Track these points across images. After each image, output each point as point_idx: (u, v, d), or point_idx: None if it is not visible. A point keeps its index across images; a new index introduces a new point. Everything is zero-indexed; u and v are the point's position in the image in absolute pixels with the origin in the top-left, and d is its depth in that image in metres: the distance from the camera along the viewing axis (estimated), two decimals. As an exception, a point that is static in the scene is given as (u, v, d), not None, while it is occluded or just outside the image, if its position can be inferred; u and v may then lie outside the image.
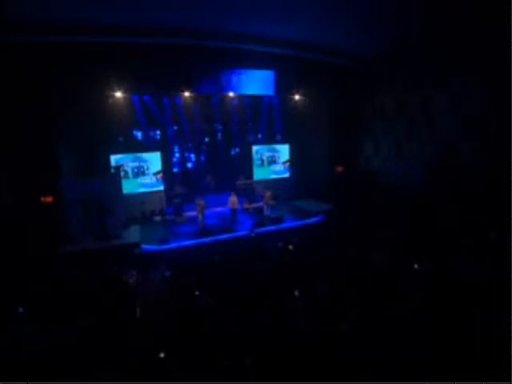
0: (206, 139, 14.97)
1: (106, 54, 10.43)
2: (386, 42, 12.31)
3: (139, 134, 13.78)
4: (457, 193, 10.29)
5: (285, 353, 3.58)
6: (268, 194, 12.96)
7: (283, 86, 13.91)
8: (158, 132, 14.12)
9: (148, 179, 13.99)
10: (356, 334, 3.66)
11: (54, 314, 4.69)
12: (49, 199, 11.06)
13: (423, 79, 11.83)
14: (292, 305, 4.30)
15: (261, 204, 13.41)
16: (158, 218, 13.45)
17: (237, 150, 15.71)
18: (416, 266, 4.89)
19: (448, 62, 10.76)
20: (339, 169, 15.85)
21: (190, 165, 14.94)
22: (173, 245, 10.04)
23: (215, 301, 4.58)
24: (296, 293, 4.64)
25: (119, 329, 4.30)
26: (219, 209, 13.71)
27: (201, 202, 11.81)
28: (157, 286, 6.10)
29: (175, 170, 14.72)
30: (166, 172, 14.26)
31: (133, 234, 11.64)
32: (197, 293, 4.66)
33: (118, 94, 12.08)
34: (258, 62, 12.33)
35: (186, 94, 13.07)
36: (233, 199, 12.32)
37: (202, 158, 15.17)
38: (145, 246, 10.06)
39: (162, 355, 3.76)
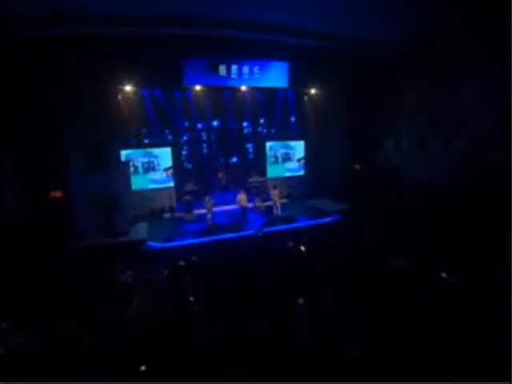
0: (218, 135, 14.49)
1: (116, 45, 10.13)
2: (409, 29, 11.37)
3: (150, 129, 13.49)
4: (490, 195, 9.25)
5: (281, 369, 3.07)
6: (276, 191, 12.33)
7: (298, 79, 13.21)
8: (169, 127, 13.78)
9: (158, 175, 13.73)
10: (370, 364, 3.04)
11: (38, 314, 4.36)
12: (58, 194, 10.97)
13: (451, 67, 10.83)
14: (295, 318, 3.73)
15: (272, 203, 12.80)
16: (167, 215, 13.15)
17: (250, 146, 15.17)
18: (444, 275, 4.16)
19: (479, 48, 9.75)
20: (356, 167, 14.99)
21: (201, 161, 14.51)
22: (176, 243, 9.67)
23: (209, 306, 4.08)
24: (300, 301, 4.04)
25: (103, 332, 3.88)
26: (231, 207, 13.21)
27: (210, 200, 11.38)
28: (151, 287, 5.69)
29: (186, 166, 14.35)
30: (177, 168, 13.95)
31: (140, 230, 11.38)
32: (191, 298, 4.17)
33: (128, 88, 11.86)
34: (270, 53, 11.71)
35: (198, 87, 12.69)
36: (241, 197, 11.81)
37: (214, 154, 14.72)
38: (150, 244, 9.74)
39: (142, 368, 3.29)
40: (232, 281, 4.72)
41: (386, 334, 3.45)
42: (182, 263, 7.25)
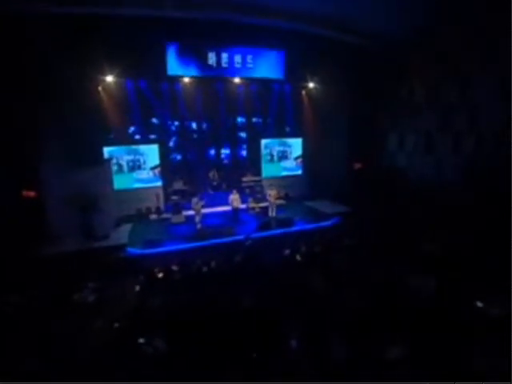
0: (210, 131, 13.48)
1: (95, 28, 9.15)
2: (418, 17, 10.44)
3: (135, 125, 12.47)
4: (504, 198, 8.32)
5: None
6: (273, 192, 11.37)
7: (295, 70, 12.23)
8: (155, 122, 12.77)
9: (144, 174, 12.76)
10: None
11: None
12: (31, 194, 9.95)
13: (464, 58, 9.91)
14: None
15: (268, 204, 11.84)
16: (153, 217, 12.17)
17: (243, 143, 14.19)
18: (481, 305, 3.21)
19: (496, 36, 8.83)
20: (358, 166, 14.05)
21: (190, 159, 13.51)
22: (158, 249, 8.71)
23: (171, 345, 3.13)
24: (294, 344, 3.06)
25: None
26: (223, 208, 12.23)
27: (198, 201, 10.41)
28: (117, 307, 4.71)
29: (174, 164, 13.35)
30: (165, 166, 12.97)
31: (123, 234, 10.43)
32: (141, 340, 3.18)
33: (110, 79, 10.85)
34: (265, 40, 10.74)
35: (186, 79, 11.71)
36: (234, 198, 10.88)
37: (205, 151, 13.72)
38: (130, 250, 8.77)
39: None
40: (208, 310, 3.76)
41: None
42: (159, 274, 6.30)
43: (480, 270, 4.57)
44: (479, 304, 3.23)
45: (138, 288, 5.08)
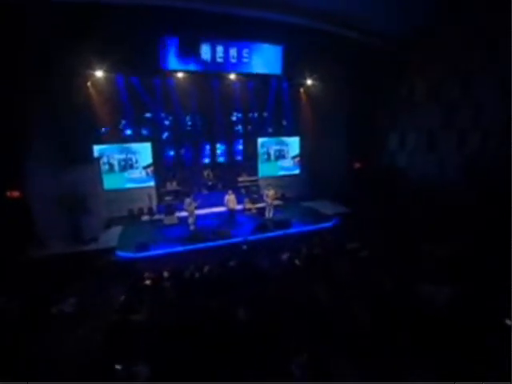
0: (205, 129, 12.98)
1: (85, 20, 8.63)
2: (420, 13, 10.08)
3: (127, 122, 11.94)
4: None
5: None
6: (271, 192, 10.93)
7: (293, 66, 11.76)
8: (149, 120, 12.25)
9: (137, 173, 12.26)
10: None
11: None
12: (15, 195, 9.42)
13: (467, 56, 9.58)
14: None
15: (264, 205, 11.40)
16: (146, 218, 11.69)
17: (239, 141, 13.73)
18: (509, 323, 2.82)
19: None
20: (357, 165, 13.67)
21: (184, 158, 13.01)
22: (148, 253, 8.26)
23: (156, 370, 2.69)
24: (297, 370, 2.63)
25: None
26: (218, 209, 11.77)
27: (192, 202, 9.95)
28: (100, 319, 4.24)
29: (168, 163, 12.85)
30: (158, 166, 12.48)
31: (113, 236, 9.95)
32: (117, 367, 2.72)
33: (99, 74, 10.34)
34: (262, 34, 10.26)
35: (180, 74, 11.23)
36: (230, 198, 10.45)
37: (199, 150, 13.22)
38: (119, 254, 8.29)
39: None
40: (199, 327, 3.31)
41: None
42: (147, 282, 5.85)
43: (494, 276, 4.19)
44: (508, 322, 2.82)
45: (122, 299, 4.62)
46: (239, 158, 13.83)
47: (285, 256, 6.99)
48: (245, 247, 6.78)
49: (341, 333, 3.14)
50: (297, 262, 6.62)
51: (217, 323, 3.59)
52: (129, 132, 11.99)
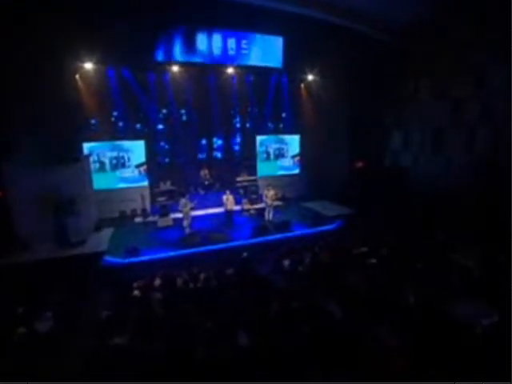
0: (201, 126, 12.36)
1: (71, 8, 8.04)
2: (424, 6, 9.61)
3: (119, 118, 11.30)
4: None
5: None
6: (271, 193, 10.35)
7: (294, 60, 11.21)
8: (142, 116, 11.63)
9: (129, 173, 11.63)
10: None
11: None
12: (-2, 194, 8.77)
13: (477, 51, 9.10)
14: None
15: (264, 205, 10.84)
16: (138, 220, 11.07)
17: (237, 139, 13.15)
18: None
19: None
20: (359, 164, 13.14)
21: (180, 156, 12.39)
22: (139, 258, 7.65)
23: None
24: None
25: None
26: (215, 210, 11.18)
27: (187, 203, 9.36)
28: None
29: (162, 162, 12.24)
30: (152, 164, 11.86)
31: (102, 239, 9.31)
32: None
33: (89, 66, 9.71)
34: (261, 24, 9.67)
35: (175, 68, 10.63)
36: (227, 198, 9.87)
37: (195, 148, 12.61)
38: (107, 259, 7.68)
39: None
40: (190, 353, 2.75)
41: None
42: (136, 292, 5.26)
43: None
44: None
45: (104, 316, 4.02)
46: (237, 156, 13.26)
47: (286, 262, 6.44)
48: (245, 254, 6.19)
49: (365, 362, 2.58)
50: (300, 268, 6.08)
51: (213, 348, 3.02)
52: (120, 128, 11.34)
